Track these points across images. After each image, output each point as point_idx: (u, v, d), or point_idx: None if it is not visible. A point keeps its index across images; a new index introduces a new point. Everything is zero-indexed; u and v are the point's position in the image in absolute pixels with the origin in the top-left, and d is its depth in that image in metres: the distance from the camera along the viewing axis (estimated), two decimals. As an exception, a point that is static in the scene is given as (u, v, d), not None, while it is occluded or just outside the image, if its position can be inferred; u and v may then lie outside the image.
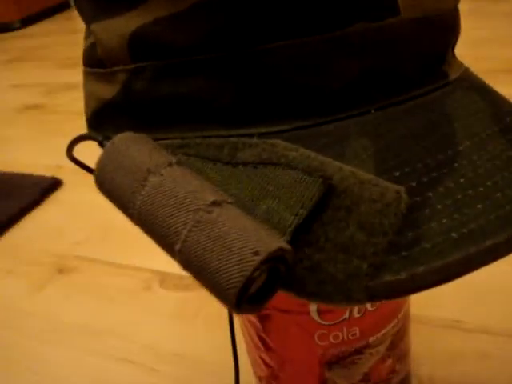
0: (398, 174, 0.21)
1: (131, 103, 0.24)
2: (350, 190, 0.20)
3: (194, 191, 0.20)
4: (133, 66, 0.23)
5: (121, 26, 0.23)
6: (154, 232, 0.20)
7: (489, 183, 0.21)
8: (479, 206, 0.20)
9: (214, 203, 0.19)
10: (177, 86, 0.22)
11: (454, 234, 0.19)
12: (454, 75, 0.25)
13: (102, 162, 0.23)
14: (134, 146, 0.22)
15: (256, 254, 0.18)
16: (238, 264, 0.18)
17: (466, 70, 0.27)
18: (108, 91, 0.25)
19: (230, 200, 0.20)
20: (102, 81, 0.25)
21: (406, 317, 0.34)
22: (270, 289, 0.19)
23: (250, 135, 0.22)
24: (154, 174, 0.21)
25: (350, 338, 0.30)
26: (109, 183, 0.22)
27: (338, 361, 0.31)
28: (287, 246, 0.18)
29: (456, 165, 0.21)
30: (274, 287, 0.19)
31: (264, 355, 0.34)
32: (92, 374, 0.48)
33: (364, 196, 0.20)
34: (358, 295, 0.19)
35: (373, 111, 0.23)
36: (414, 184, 0.21)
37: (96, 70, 0.25)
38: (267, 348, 0.32)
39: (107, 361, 0.49)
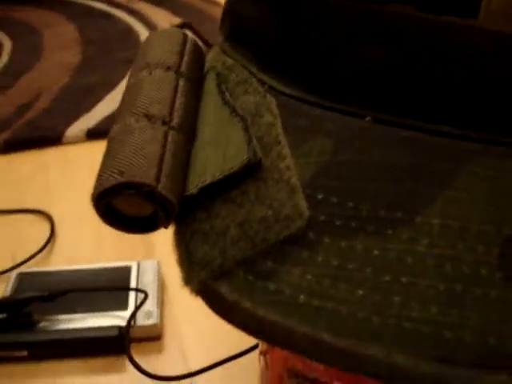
0: (321, 196, 0.18)
1: (229, 13, 0.25)
2: (267, 181, 0.18)
3: (152, 98, 0.21)
4: None
5: None
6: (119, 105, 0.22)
7: (404, 279, 0.16)
8: (361, 292, 0.16)
9: (147, 115, 0.20)
10: (246, 7, 0.23)
11: (302, 298, 0.16)
12: None
13: (145, 41, 0.26)
14: (164, 41, 0.25)
15: (120, 173, 0.18)
16: (107, 174, 0.19)
17: None
18: None
19: (173, 123, 0.21)
20: None
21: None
22: (151, 225, 0.19)
23: (263, 83, 0.22)
24: (147, 69, 0.23)
25: (314, 366, 0.27)
26: (136, 58, 0.25)
27: (298, 377, 0.29)
28: (159, 189, 0.18)
29: (389, 232, 0.17)
30: (152, 226, 0.19)
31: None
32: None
33: (270, 195, 0.18)
34: (193, 285, 0.18)
35: (368, 119, 0.19)
36: (321, 218, 0.17)
37: None
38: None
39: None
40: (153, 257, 0.55)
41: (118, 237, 0.58)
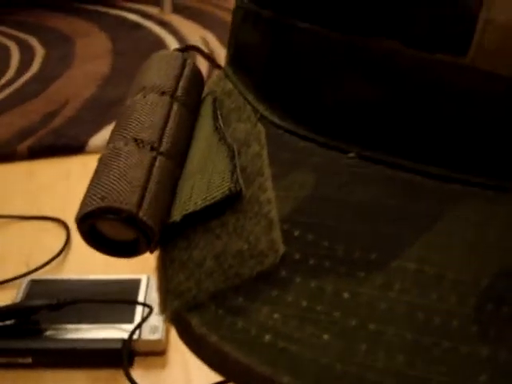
0: (297, 233, 0.17)
1: (233, 35, 0.25)
2: (246, 213, 0.18)
3: (143, 122, 0.21)
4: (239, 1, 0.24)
5: None
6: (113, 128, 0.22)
7: (372, 326, 0.15)
8: (326, 337, 0.15)
9: (136, 140, 0.21)
10: (246, 32, 0.23)
11: (267, 338, 0.15)
12: None
13: (144, 64, 0.26)
14: (163, 65, 0.25)
15: (102, 199, 0.19)
16: (91, 197, 0.19)
17: None
18: None
19: (162, 149, 0.21)
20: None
21: None
22: (134, 250, 0.19)
23: (256, 111, 0.22)
24: (143, 93, 0.23)
25: None
26: (138, 75, 0.25)
27: None
28: (138, 215, 0.18)
29: (362, 275, 0.16)
30: (134, 251, 0.19)
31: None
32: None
33: (247, 228, 0.18)
34: (167, 313, 0.18)
35: (353, 155, 0.19)
36: (296, 256, 0.17)
37: None
38: None
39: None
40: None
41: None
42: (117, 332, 0.45)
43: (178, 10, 1.44)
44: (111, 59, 1.13)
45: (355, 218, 0.17)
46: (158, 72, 0.24)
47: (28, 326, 0.45)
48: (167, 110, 0.22)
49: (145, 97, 0.22)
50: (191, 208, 0.19)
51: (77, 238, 0.60)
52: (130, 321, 0.47)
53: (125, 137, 0.20)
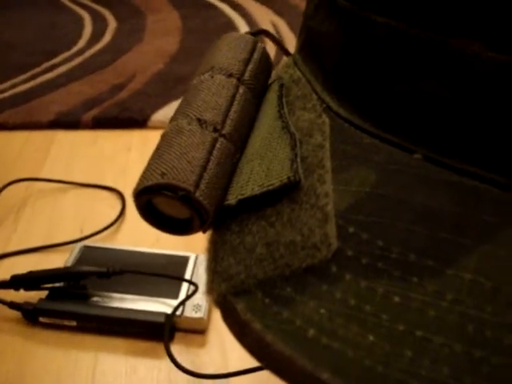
0: (352, 230, 0.17)
1: (304, 24, 0.25)
2: (302, 204, 0.18)
3: (208, 102, 0.21)
4: None
5: None
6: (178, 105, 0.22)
7: (419, 333, 0.15)
8: (371, 338, 0.15)
9: (199, 120, 0.20)
10: (319, 21, 0.23)
11: (311, 332, 0.15)
12: None
13: (214, 43, 0.26)
14: (233, 46, 0.24)
15: (162, 175, 0.18)
16: (150, 172, 0.19)
17: None
18: None
19: (224, 132, 0.20)
20: None
21: None
22: (186, 228, 0.19)
23: (322, 101, 0.22)
24: (211, 72, 0.23)
25: None
26: (203, 59, 0.25)
27: None
28: (196, 195, 0.18)
29: (415, 280, 0.16)
30: (186, 229, 0.19)
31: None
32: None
33: (302, 220, 0.17)
34: (213, 295, 0.18)
35: (418, 156, 0.18)
36: (349, 253, 0.16)
37: None
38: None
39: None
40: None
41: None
42: (161, 306, 0.46)
43: (251, -8, 1.43)
44: (180, 37, 1.14)
45: (414, 221, 0.17)
46: (228, 53, 0.24)
47: (76, 291, 0.46)
48: (233, 93, 0.22)
49: (212, 77, 0.22)
50: (247, 193, 0.19)
51: (131, 209, 0.61)
52: (175, 297, 0.47)
53: (188, 115, 0.20)
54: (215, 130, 0.20)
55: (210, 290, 0.18)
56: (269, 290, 0.17)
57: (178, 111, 0.21)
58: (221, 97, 0.21)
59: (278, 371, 0.15)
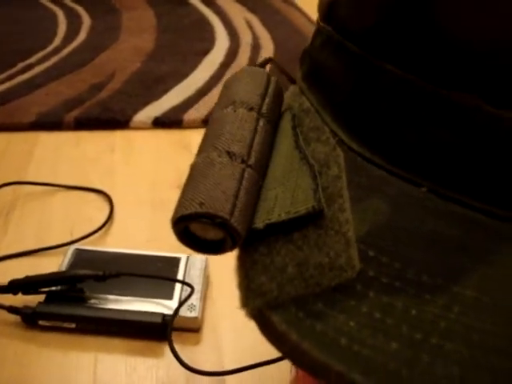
0: (372, 254, 0.19)
1: (310, 56, 0.28)
2: (327, 230, 0.20)
3: (234, 135, 0.23)
4: (322, 24, 0.27)
5: None
6: (201, 141, 0.24)
7: (434, 340, 0.17)
8: (395, 345, 0.17)
9: (228, 153, 0.22)
10: (328, 57, 0.25)
11: (344, 341, 0.18)
12: None
13: (231, 76, 0.28)
14: (250, 81, 0.27)
15: (200, 204, 0.20)
16: (188, 202, 0.21)
17: None
18: (311, 39, 0.29)
19: (251, 162, 0.23)
20: (315, 28, 0.29)
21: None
22: (218, 249, 0.21)
23: (335, 134, 0.24)
24: (233, 106, 0.25)
25: None
26: (222, 91, 0.27)
27: None
28: (231, 222, 0.20)
29: (427, 296, 0.18)
30: (219, 250, 0.21)
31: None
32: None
33: (328, 244, 0.20)
34: (249, 309, 0.20)
35: (424, 189, 0.21)
36: (370, 273, 0.19)
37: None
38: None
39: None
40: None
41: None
42: (156, 307, 0.48)
43: (224, -11, 1.45)
44: (156, 35, 1.15)
45: (425, 247, 0.19)
46: (246, 87, 0.26)
47: (73, 294, 0.48)
48: (254, 126, 0.24)
49: (235, 111, 0.24)
50: (274, 218, 0.21)
51: (119, 211, 0.63)
52: (170, 297, 0.49)
53: (218, 148, 0.22)
54: (243, 161, 0.22)
55: (244, 304, 0.20)
56: (302, 305, 0.19)
57: (206, 143, 0.23)
58: (244, 130, 0.23)
59: (314, 374, 0.17)
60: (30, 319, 0.46)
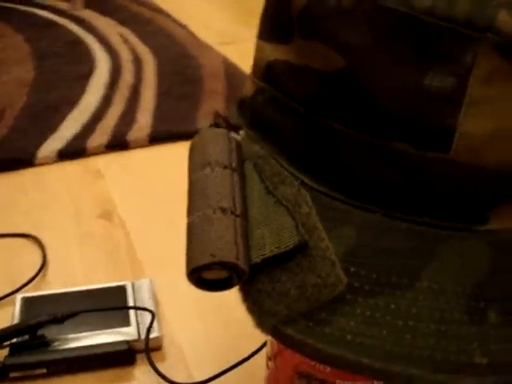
0: (353, 269, 0.26)
1: (254, 109, 0.32)
2: (314, 257, 0.26)
3: (220, 193, 0.28)
4: (262, 84, 0.31)
5: (268, 52, 0.30)
6: (188, 202, 0.29)
7: (410, 323, 0.24)
8: (385, 332, 0.24)
9: (221, 208, 0.27)
10: (274, 114, 0.30)
11: (349, 337, 0.24)
12: (500, 225, 0.27)
13: (196, 138, 0.32)
14: (216, 141, 0.31)
15: (213, 256, 0.25)
16: (200, 255, 0.25)
17: None
18: (249, 91, 0.33)
19: (238, 212, 0.27)
20: (250, 80, 0.34)
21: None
22: (227, 285, 0.26)
23: (297, 178, 0.29)
24: (210, 167, 0.29)
25: (321, 369, 0.35)
26: (191, 154, 0.32)
27: (308, 377, 0.37)
28: (240, 264, 0.25)
29: (399, 293, 0.25)
30: (228, 286, 0.26)
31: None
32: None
33: (318, 268, 0.25)
34: (266, 328, 0.25)
35: (379, 214, 0.27)
36: (356, 284, 0.25)
37: (251, 70, 0.34)
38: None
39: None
40: (141, 275, 0.61)
41: (106, 258, 0.64)
42: (118, 335, 0.51)
43: (90, 4, 1.44)
44: (34, 62, 1.14)
45: (389, 257, 0.26)
46: (215, 149, 0.30)
47: (37, 341, 0.50)
48: (231, 181, 0.29)
49: (213, 171, 0.29)
50: (268, 254, 0.26)
51: (51, 250, 0.65)
52: (127, 324, 0.53)
53: (211, 206, 0.27)
54: (232, 213, 0.27)
55: (259, 325, 0.25)
56: (309, 317, 0.25)
57: (197, 202, 0.28)
58: (226, 186, 0.28)
59: (332, 366, 0.24)
60: (1, 373, 0.48)
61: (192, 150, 0.32)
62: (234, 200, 0.28)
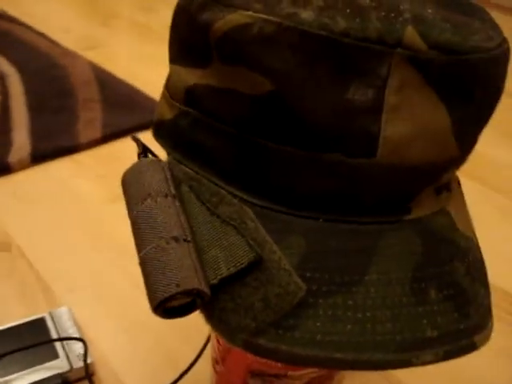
0: (308, 275, 0.27)
1: (176, 132, 0.32)
2: (270, 269, 0.27)
3: (168, 222, 0.28)
4: (183, 107, 0.32)
5: (186, 76, 0.30)
6: (135, 236, 0.29)
7: (368, 314, 0.27)
8: (349, 326, 0.26)
9: (173, 238, 0.28)
10: (202, 136, 0.31)
11: (318, 337, 0.26)
12: (421, 212, 0.30)
13: (128, 171, 0.32)
14: (151, 171, 0.31)
15: (177, 285, 0.26)
16: (164, 287, 0.26)
17: (445, 208, 0.31)
18: (168, 114, 0.33)
19: (189, 238, 0.28)
20: (168, 103, 0.33)
21: (335, 373, 0.40)
22: (190, 310, 0.27)
23: (235, 196, 0.30)
24: (151, 198, 0.29)
25: (273, 364, 0.37)
26: (127, 188, 0.31)
27: (260, 375, 0.39)
28: (203, 289, 0.26)
29: (354, 289, 0.27)
30: (191, 310, 0.27)
31: (217, 340, 0.41)
32: None
33: (276, 279, 0.27)
34: (237, 342, 0.27)
35: (321, 220, 0.29)
36: (314, 288, 0.27)
37: (167, 93, 0.34)
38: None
39: None
40: (55, 303, 0.60)
41: (15, 292, 0.61)
42: (49, 370, 0.50)
43: None
44: None
45: (338, 258, 0.28)
46: (152, 179, 0.30)
47: (-36, 394, 0.48)
48: (175, 208, 0.29)
49: (156, 202, 0.29)
50: (224, 273, 0.27)
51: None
52: (56, 356, 0.51)
53: (163, 237, 0.28)
54: (184, 240, 0.28)
55: (231, 340, 0.26)
56: (278, 325, 0.26)
57: (148, 235, 0.28)
58: (172, 215, 0.29)
59: (308, 366, 0.26)
60: None
61: (126, 185, 0.32)
62: (183, 226, 0.29)
